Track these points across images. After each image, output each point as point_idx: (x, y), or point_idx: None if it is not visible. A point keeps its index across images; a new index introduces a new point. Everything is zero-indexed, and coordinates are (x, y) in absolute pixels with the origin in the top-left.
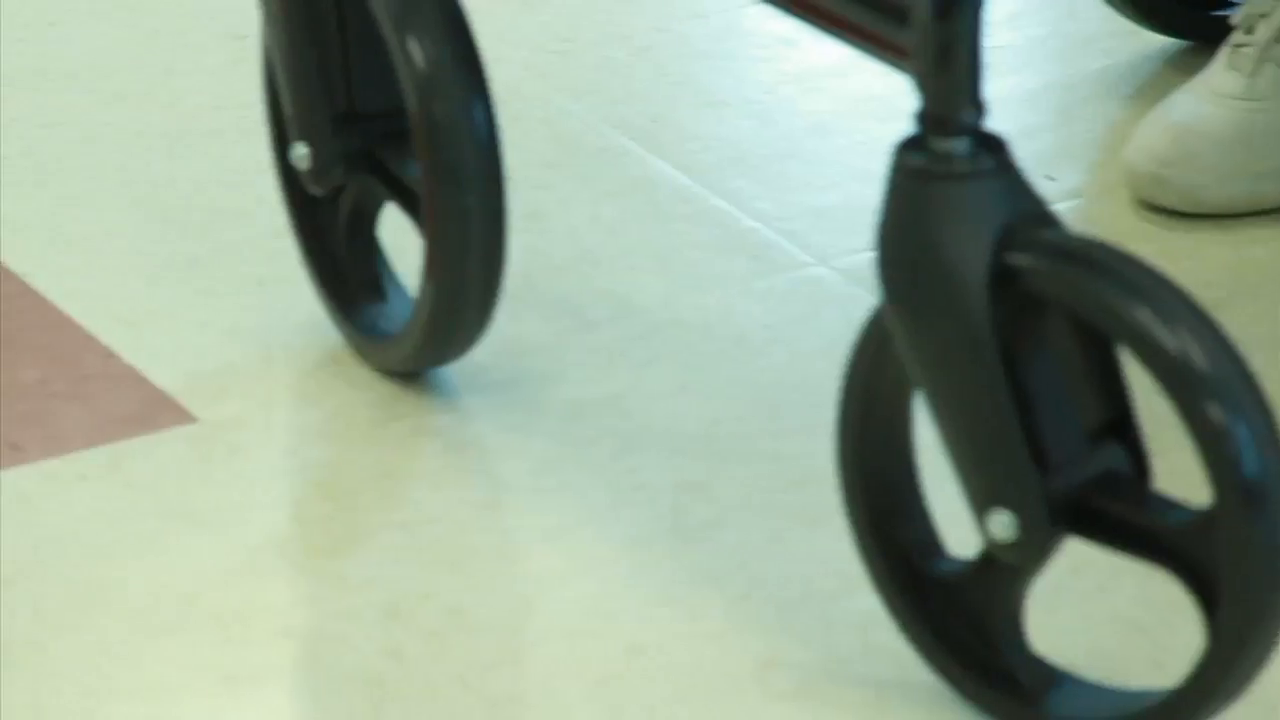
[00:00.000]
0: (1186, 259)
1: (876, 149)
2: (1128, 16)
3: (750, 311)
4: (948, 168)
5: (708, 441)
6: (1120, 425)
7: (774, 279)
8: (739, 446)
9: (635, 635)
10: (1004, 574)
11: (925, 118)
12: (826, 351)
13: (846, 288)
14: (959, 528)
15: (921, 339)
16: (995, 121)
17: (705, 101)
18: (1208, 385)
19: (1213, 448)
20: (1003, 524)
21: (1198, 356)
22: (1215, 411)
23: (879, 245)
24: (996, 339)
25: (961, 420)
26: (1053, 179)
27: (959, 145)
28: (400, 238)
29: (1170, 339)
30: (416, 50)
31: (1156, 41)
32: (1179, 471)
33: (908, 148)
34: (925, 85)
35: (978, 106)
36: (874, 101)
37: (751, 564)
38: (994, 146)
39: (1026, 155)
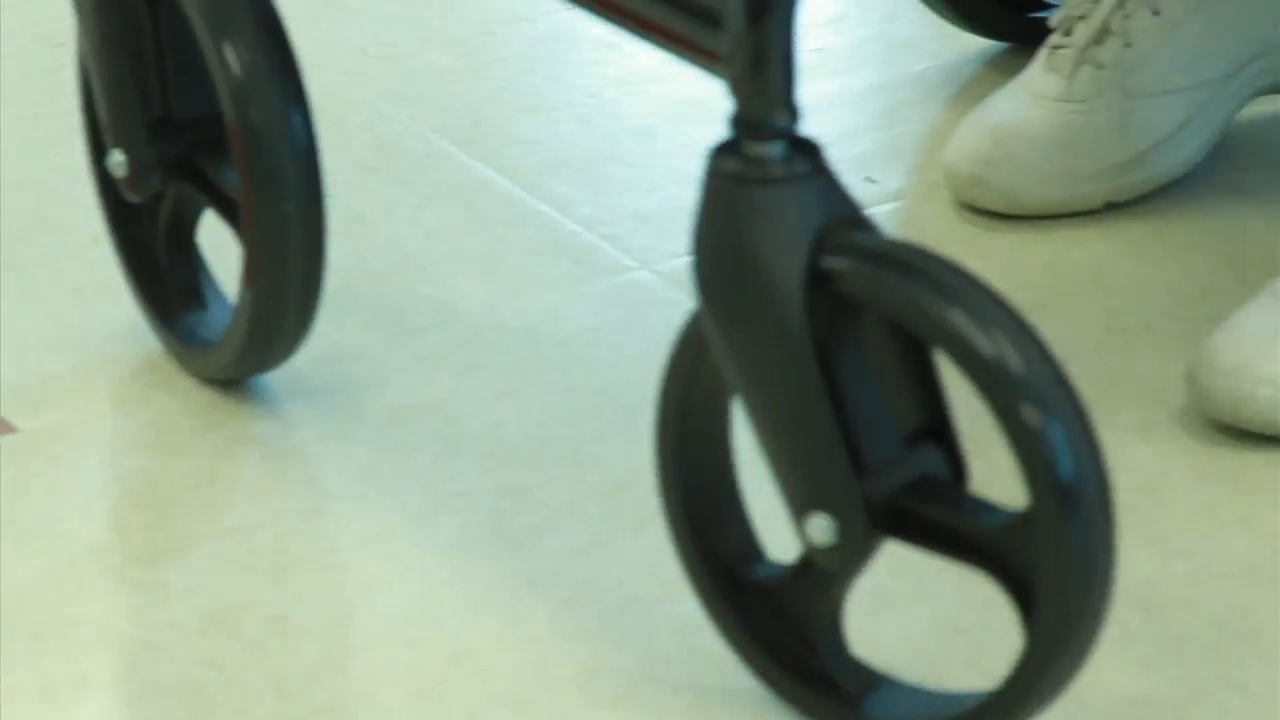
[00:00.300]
0: (1006, 260)
1: (699, 152)
2: (948, 19)
3: (573, 316)
4: (762, 172)
5: (530, 447)
6: (937, 428)
7: (596, 283)
8: (562, 451)
9: (457, 643)
10: (823, 578)
11: (739, 122)
12: (649, 355)
13: (668, 291)
14: (779, 532)
15: (737, 343)
16: (817, 124)
17: (527, 106)
18: (1022, 388)
19: (1028, 450)
20: (821, 528)
21: (1012, 359)
22: (1030, 414)
23: (694, 250)
24: (812, 343)
25: (778, 424)
26: (874, 181)
27: (773, 149)
28: (221, 244)
29: (985, 342)
30: (232, 56)
31: (976, 44)
32: (997, 473)
33: (722, 152)
34: (739, 90)
35: (792, 111)
36: (696, 105)
37: (574, 570)
38: (808, 150)
39: (848, 158)
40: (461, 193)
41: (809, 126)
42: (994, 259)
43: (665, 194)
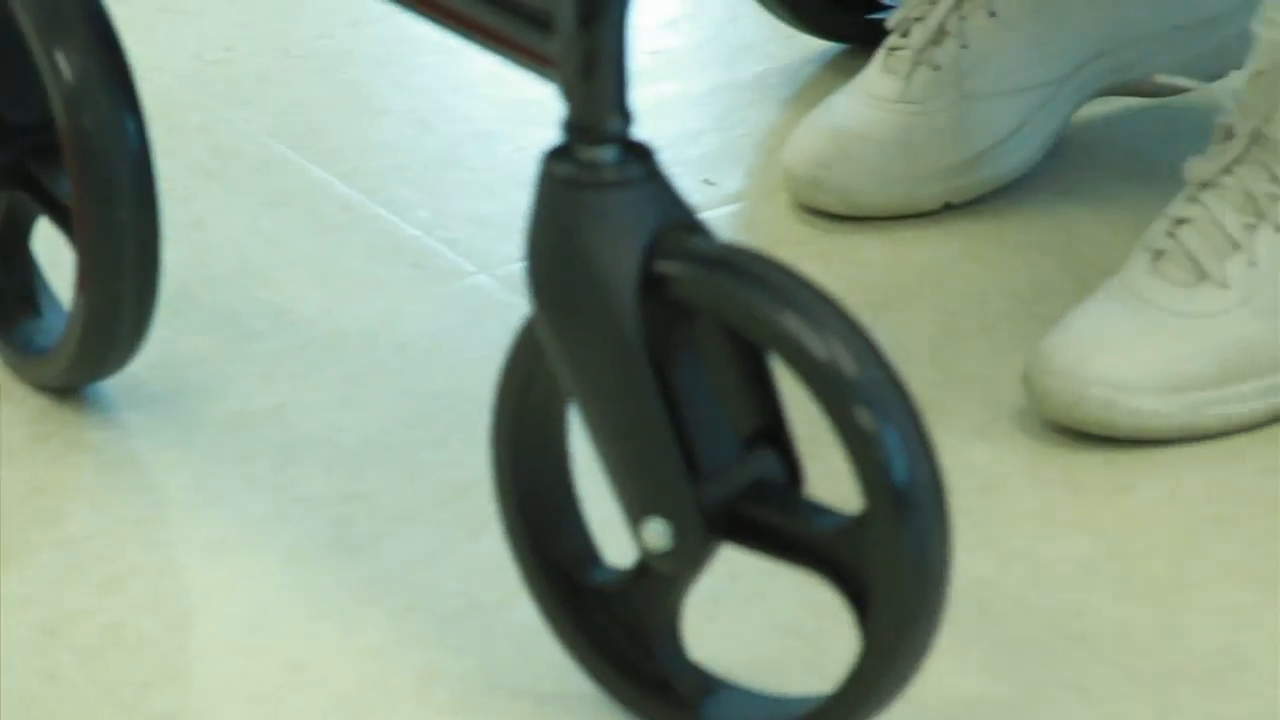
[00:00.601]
0: (845, 262)
1: (537, 156)
2: (785, 21)
3: (412, 320)
4: (595, 176)
5: (370, 452)
6: (773, 432)
7: (435, 288)
8: (401, 457)
9: (295, 651)
10: (660, 582)
11: (571, 126)
12: (489, 360)
13: (508, 296)
14: (617, 537)
15: (571, 348)
16: (655, 127)
17: (366, 109)
18: (856, 391)
19: (862, 453)
20: (657, 532)
21: (845, 362)
22: (864, 417)
23: (528, 255)
24: (646, 348)
25: (613, 429)
26: (713, 183)
27: (606, 154)
28: (56, 251)
29: (819, 345)
30: (64, 62)
31: (814, 45)
32: (834, 476)
33: (554, 156)
34: (571, 94)
35: (624, 115)
36: (535, 107)
37: (413, 576)
38: (641, 154)
39: (687, 160)
40: (300, 197)
41: (647, 129)
42: (832, 261)
43: (505, 198)
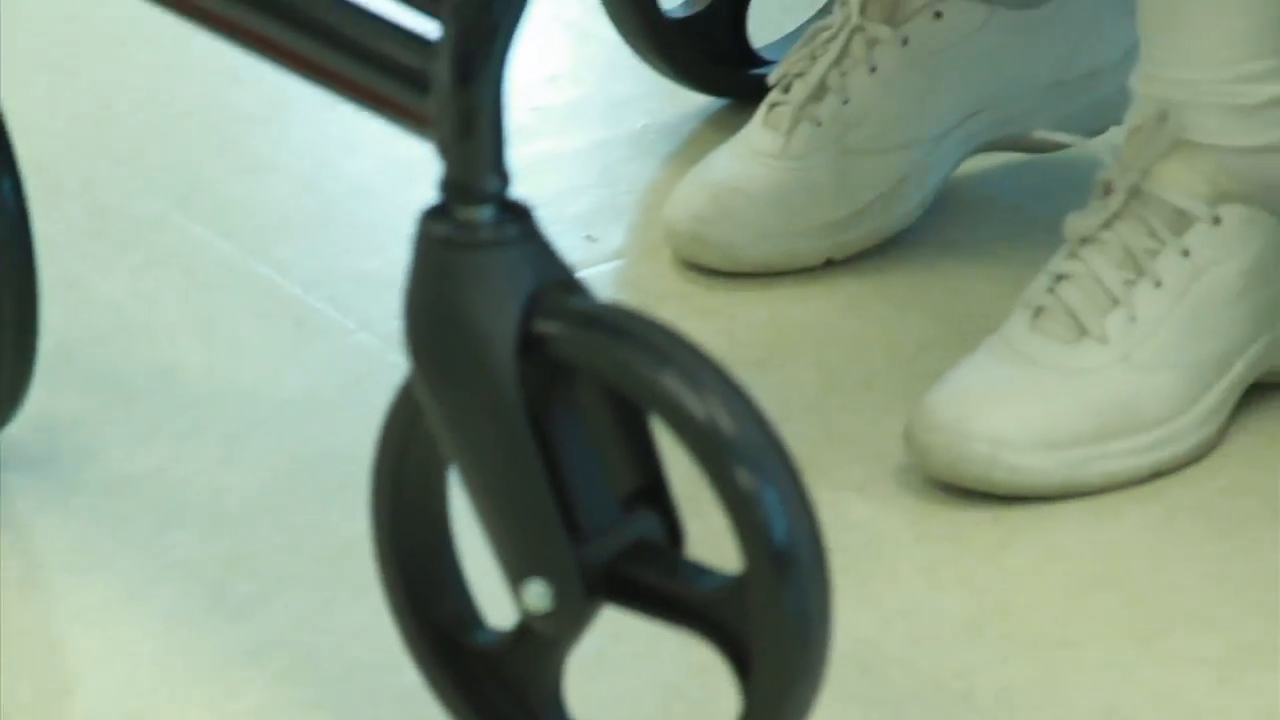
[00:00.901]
0: (727, 318)
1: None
2: (667, 76)
3: (294, 379)
4: (472, 236)
5: (251, 514)
6: (653, 492)
7: (317, 346)
8: (283, 518)
9: (176, 716)
10: (542, 644)
11: (449, 186)
12: (371, 419)
13: (390, 354)
14: (498, 598)
15: (450, 409)
16: (536, 183)
17: (246, 167)
18: (735, 451)
19: (742, 514)
20: (537, 594)
21: (724, 423)
22: (743, 478)
23: (405, 315)
24: (525, 408)
25: (492, 490)
26: (595, 240)
27: (483, 213)
28: None
29: (697, 406)
30: None
31: (696, 101)
32: (715, 536)
33: (432, 216)
34: (448, 153)
35: (502, 174)
36: (416, 164)
37: (294, 639)
38: (519, 214)
39: (568, 216)
40: (180, 256)
41: (529, 185)
42: (714, 317)
43: (386, 256)
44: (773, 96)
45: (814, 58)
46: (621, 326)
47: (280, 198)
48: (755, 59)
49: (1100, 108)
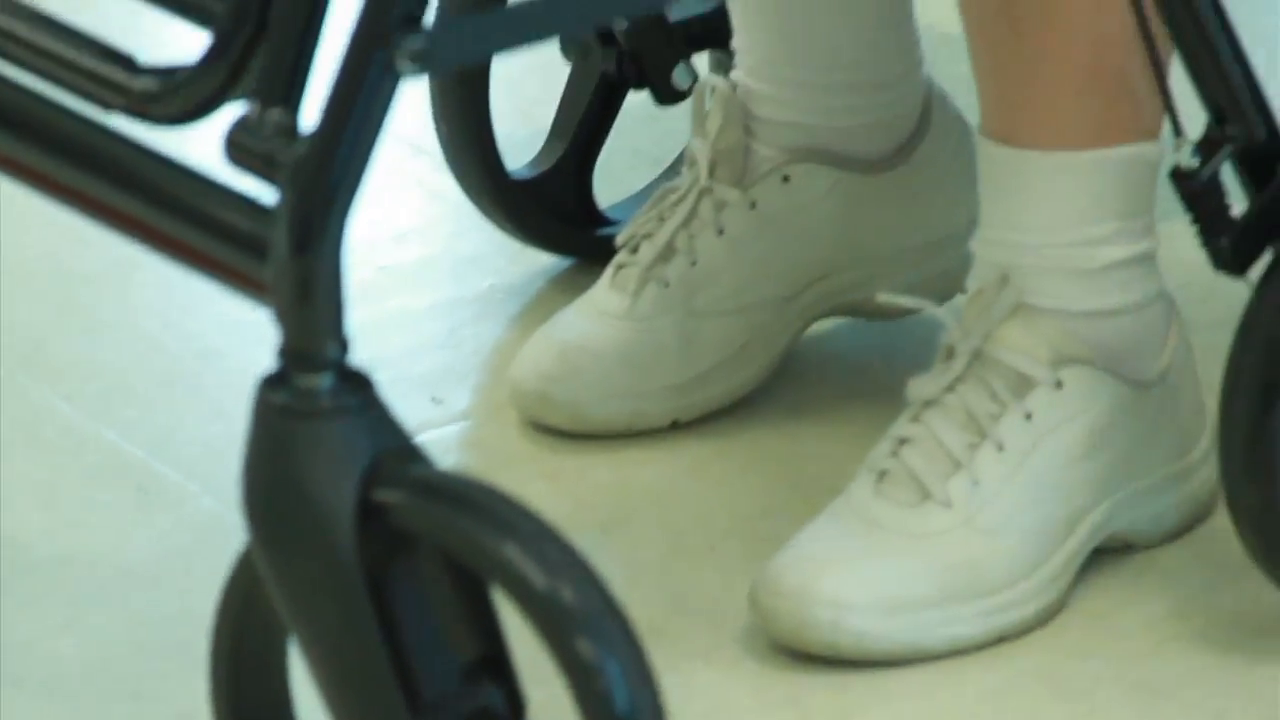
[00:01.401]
0: (572, 481)
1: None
2: (514, 235)
3: (137, 544)
4: (310, 405)
5: (90, 682)
6: (494, 661)
7: (161, 510)
8: (123, 686)
9: None
10: None
11: (287, 353)
12: (215, 584)
13: (235, 518)
14: None
15: (288, 579)
16: (381, 344)
17: (90, 328)
18: (575, 622)
19: (583, 684)
20: None
21: (565, 593)
22: (585, 648)
23: (243, 484)
24: (364, 578)
25: (330, 659)
26: (440, 401)
27: (322, 381)
28: None
29: (538, 577)
30: None
31: (543, 260)
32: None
33: (270, 384)
34: (286, 320)
35: (341, 341)
36: (261, 326)
37: None
38: (358, 382)
39: (413, 377)
40: (21, 419)
41: (374, 345)
42: (560, 480)
43: (231, 418)
44: (620, 257)
45: (662, 219)
46: (462, 496)
47: (124, 359)
48: (601, 219)
49: (946, 276)
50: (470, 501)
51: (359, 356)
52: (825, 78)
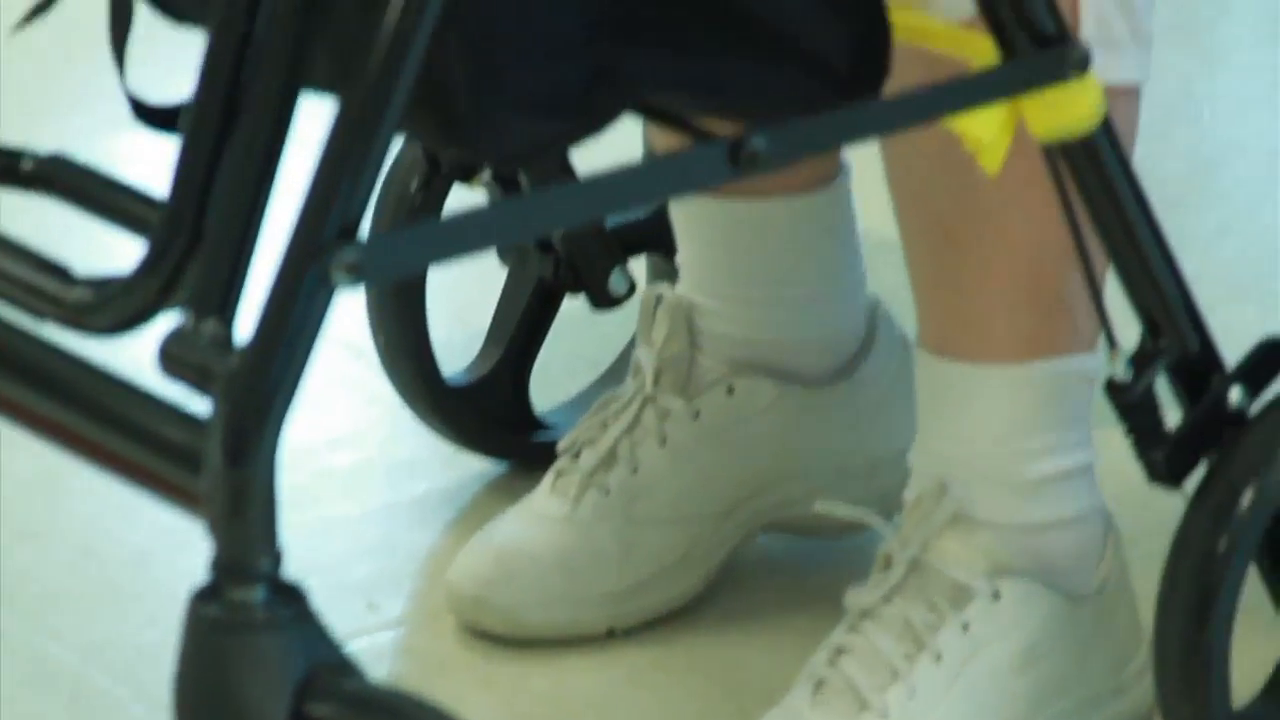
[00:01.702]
0: (508, 689)
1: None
2: (451, 440)
3: None
4: (243, 618)
5: None
6: None
7: (93, 718)
8: None
9: None
10: None
11: (219, 566)
12: None
13: None
14: None
15: None
16: (316, 550)
17: (23, 533)
18: None
19: None
20: None
21: None
22: None
23: (175, 696)
24: None
25: None
26: (375, 607)
27: (254, 594)
28: None
29: None
30: None
31: (479, 465)
32: None
33: (202, 597)
34: (219, 533)
35: (274, 554)
36: (195, 532)
37: None
38: (291, 595)
39: (349, 583)
40: None
41: (310, 551)
42: (496, 688)
43: (165, 625)
44: (561, 463)
45: (605, 425)
46: (395, 711)
47: (56, 566)
48: (538, 423)
49: (887, 497)
50: (403, 716)
51: (294, 562)
52: (769, 292)
